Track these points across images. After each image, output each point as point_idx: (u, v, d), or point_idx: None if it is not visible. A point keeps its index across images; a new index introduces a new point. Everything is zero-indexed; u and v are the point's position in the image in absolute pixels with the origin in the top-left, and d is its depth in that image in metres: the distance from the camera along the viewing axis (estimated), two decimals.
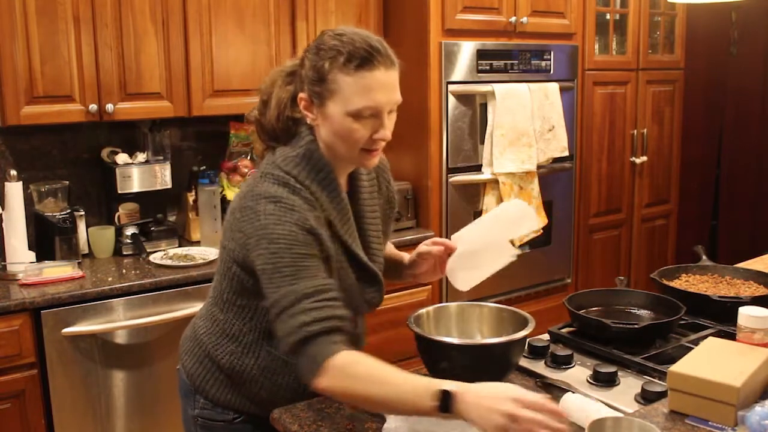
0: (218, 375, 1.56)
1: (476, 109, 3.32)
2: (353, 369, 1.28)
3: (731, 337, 1.66)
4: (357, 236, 1.50)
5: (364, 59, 1.34)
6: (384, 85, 1.37)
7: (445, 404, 1.20)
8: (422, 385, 1.24)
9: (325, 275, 1.36)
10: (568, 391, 1.49)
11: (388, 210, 1.66)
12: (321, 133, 1.43)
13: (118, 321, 2.50)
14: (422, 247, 1.66)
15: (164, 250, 2.86)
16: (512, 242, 1.64)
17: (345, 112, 1.36)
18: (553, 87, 3.50)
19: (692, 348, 1.61)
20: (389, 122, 1.41)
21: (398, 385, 1.26)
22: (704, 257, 2.28)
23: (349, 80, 1.34)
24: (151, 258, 2.77)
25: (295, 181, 1.41)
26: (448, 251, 1.63)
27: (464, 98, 3.27)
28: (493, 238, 1.62)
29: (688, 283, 2.13)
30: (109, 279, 2.57)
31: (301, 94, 1.42)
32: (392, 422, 1.42)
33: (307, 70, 1.40)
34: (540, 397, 1.19)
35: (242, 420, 1.58)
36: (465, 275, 1.62)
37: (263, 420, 1.55)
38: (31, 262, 2.60)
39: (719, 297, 1.94)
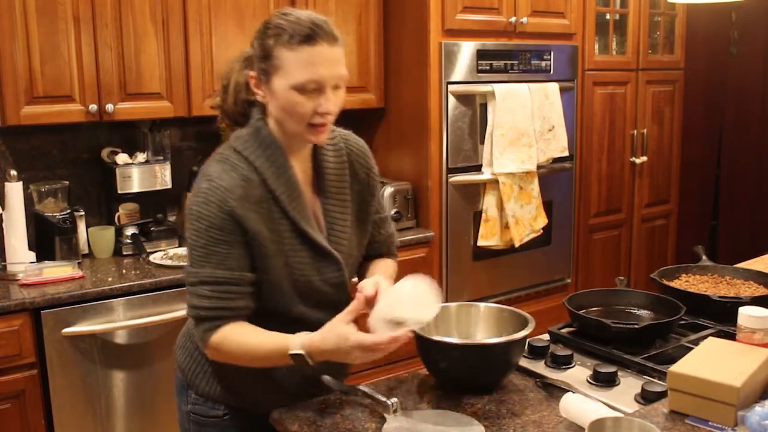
0: (206, 368, 1.58)
1: (476, 109, 3.32)
2: (226, 346, 1.45)
3: (731, 337, 1.66)
4: (308, 214, 1.51)
5: (306, 35, 1.39)
6: (326, 60, 1.41)
7: (301, 360, 1.40)
8: (279, 350, 1.41)
9: (233, 265, 1.43)
10: (568, 391, 1.49)
11: (368, 197, 1.64)
12: (271, 109, 1.48)
13: (118, 321, 2.50)
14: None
15: (164, 250, 2.86)
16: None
17: (289, 86, 1.41)
18: (553, 87, 3.50)
19: (692, 348, 1.61)
20: (335, 98, 1.44)
21: (264, 356, 1.44)
22: (704, 257, 2.28)
23: (291, 55, 1.39)
24: (151, 258, 2.77)
25: (237, 158, 1.47)
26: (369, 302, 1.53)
27: (464, 98, 3.28)
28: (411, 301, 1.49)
29: (688, 283, 2.13)
30: (109, 279, 2.57)
31: (251, 73, 1.47)
32: (392, 422, 1.42)
33: (255, 49, 1.46)
34: (376, 337, 1.35)
35: (231, 417, 1.59)
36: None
37: (253, 417, 1.57)
38: (31, 262, 2.60)
39: (719, 297, 1.94)
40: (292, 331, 1.45)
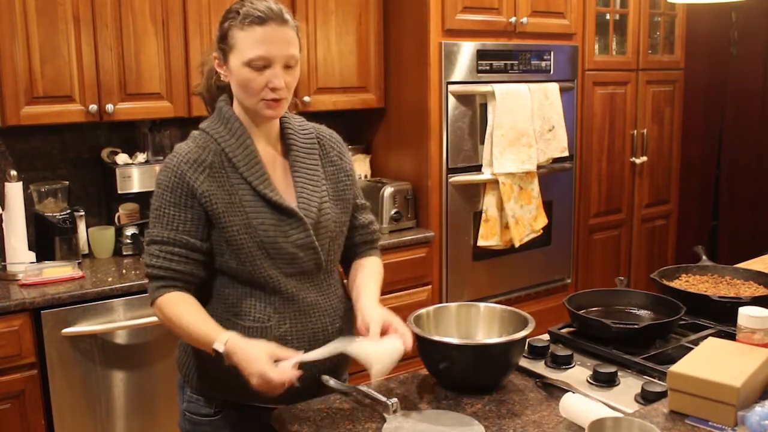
0: (196, 361, 1.61)
1: (476, 109, 3.32)
2: (165, 311, 1.54)
3: (731, 337, 1.66)
4: (268, 178, 1.57)
5: (257, 17, 1.50)
6: (275, 39, 1.51)
7: (221, 356, 1.45)
8: (206, 338, 1.48)
9: (181, 227, 1.52)
10: (568, 391, 1.49)
11: (343, 177, 1.71)
12: (231, 87, 1.59)
13: (118, 321, 2.50)
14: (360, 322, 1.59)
15: None
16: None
17: (242, 63, 1.51)
18: (553, 87, 3.50)
19: (692, 348, 1.61)
20: (288, 77, 1.54)
21: (192, 337, 1.52)
22: (704, 257, 2.28)
23: (243, 34, 1.51)
24: None
25: (199, 133, 1.60)
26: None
27: (464, 98, 3.28)
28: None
29: (688, 283, 2.13)
30: (109, 279, 2.57)
31: (214, 54, 1.59)
32: (392, 422, 1.42)
33: (217, 32, 1.58)
34: (275, 375, 1.40)
35: (224, 416, 1.61)
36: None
37: (244, 415, 1.60)
38: (31, 263, 2.60)
39: (719, 297, 1.94)
40: (272, 303, 1.55)
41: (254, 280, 1.55)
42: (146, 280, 1.57)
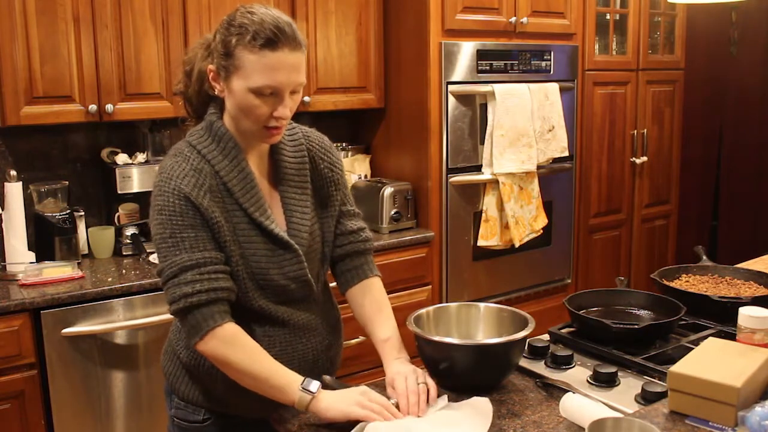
0: (183, 371, 1.59)
1: (476, 109, 3.32)
2: (236, 339, 1.41)
3: (731, 337, 1.66)
4: (264, 205, 1.49)
5: (269, 39, 1.38)
6: (286, 66, 1.40)
7: (305, 400, 1.38)
8: (292, 376, 1.41)
9: (207, 246, 1.42)
10: (568, 391, 1.49)
11: (331, 190, 1.63)
12: (228, 106, 1.48)
13: (118, 321, 2.50)
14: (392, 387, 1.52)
15: None
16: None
17: (247, 89, 1.41)
18: (553, 87, 3.50)
19: (692, 348, 1.61)
20: (292, 102, 1.45)
21: (272, 369, 1.41)
22: (704, 257, 2.27)
23: (252, 58, 1.39)
24: (151, 258, 2.77)
25: (190, 150, 1.47)
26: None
27: (464, 98, 3.27)
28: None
29: (688, 283, 2.12)
30: (109, 279, 2.57)
31: (210, 66, 1.46)
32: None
33: (217, 43, 1.44)
34: (384, 399, 1.40)
35: (212, 422, 1.59)
36: None
37: (232, 423, 1.58)
38: (31, 263, 2.60)
39: (719, 297, 1.94)
40: (262, 327, 1.50)
41: (242, 307, 1.49)
42: (177, 315, 1.42)
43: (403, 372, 1.50)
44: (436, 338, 1.58)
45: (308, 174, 1.59)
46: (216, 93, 1.48)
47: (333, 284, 1.71)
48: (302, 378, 1.41)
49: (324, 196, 1.62)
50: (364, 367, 2.93)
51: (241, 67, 1.40)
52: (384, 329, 1.61)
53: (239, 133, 1.49)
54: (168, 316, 2.51)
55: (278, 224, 1.51)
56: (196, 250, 1.40)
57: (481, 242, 3.37)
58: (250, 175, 1.49)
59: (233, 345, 1.41)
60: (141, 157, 2.93)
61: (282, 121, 1.45)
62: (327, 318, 1.65)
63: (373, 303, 1.66)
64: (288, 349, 1.54)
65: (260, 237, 1.48)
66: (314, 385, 1.40)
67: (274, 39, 1.38)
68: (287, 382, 1.41)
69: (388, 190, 3.24)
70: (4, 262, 2.62)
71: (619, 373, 1.60)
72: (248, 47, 1.38)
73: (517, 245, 3.42)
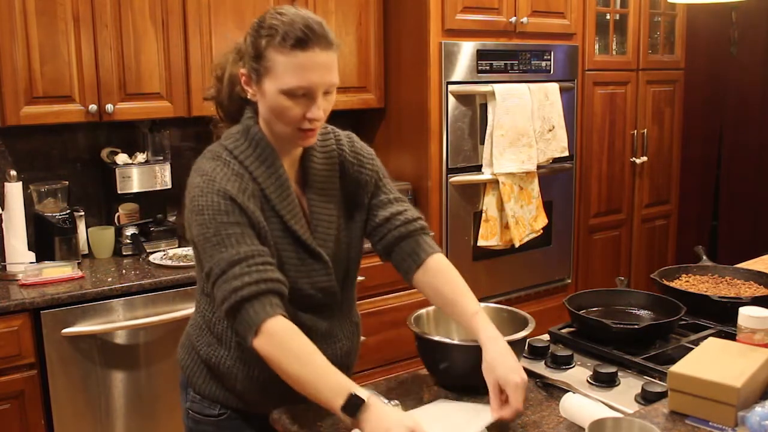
0: (202, 366, 1.58)
1: (476, 109, 3.32)
2: (286, 339, 1.33)
3: (731, 337, 1.66)
4: (299, 213, 1.48)
5: (299, 39, 1.36)
6: (318, 66, 1.38)
7: (352, 407, 1.27)
8: (342, 381, 1.31)
9: (253, 241, 1.38)
10: (568, 391, 1.49)
11: (362, 194, 1.59)
12: (261, 109, 1.46)
13: (118, 321, 2.50)
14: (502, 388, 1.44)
15: (164, 251, 2.86)
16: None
17: (279, 90, 1.39)
18: (553, 87, 3.50)
19: (692, 348, 1.61)
20: (325, 103, 1.43)
21: (320, 373, 1.32)
22: (704, 257, 2.27)
23: (283, 59, 1.37)
24: (151, 258, 2.77)
25: (228, 155, 1.45)
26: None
27: (464, 98, 3.27)
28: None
29: (688, 283, 2.12)
30: (109, 279, 2.57)
31: (242, 70, 1.45)
32: None
33: (248, 46, 1.43)
34: None
35: (228, 416, 1.58)
36: None
37: (248, 417, 1.57)
38: (31, 263, 2.60)
39: (719, 297, 1.94)
40: None
41: None
42: (230, 313, 1.35)
43: (510, 365, 1.41)
44: (436, 338, 1.58)
45: (337, 182, 1.56)
46: (248, 97, 1.46)
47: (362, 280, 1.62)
48: (349, 389, 1.28)
49: (357, 204, 1.59)
50: (364, 367, 2.92)
51: (272, 69, 1.38)
52: (469, 304, 1.53)
53: (273, 136, 1.47)
54: (169, 316, 2.54)
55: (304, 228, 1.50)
56: (243, 245, 1.36)
57: (481, 242, 3.37)
58: (287, 182, 1.47)
59: (281, 346, 1.33)
60: (141, 157, 2.93)
61: (315, 122, 1.42)
62: (348, 324, 1.64)
63: (439, 285, 1.56)
64: None
65: (292, 246, 1.47)
66: (363, 393, 1.29)
67: (304, 39, 1.36)
68: (332, 395, 1.29)
69: None
70: (4, 262, 2.62)
71: (619, 373, 1.60)
72: (278, 48, 1.37)
73: (517, 245, 3.42)
